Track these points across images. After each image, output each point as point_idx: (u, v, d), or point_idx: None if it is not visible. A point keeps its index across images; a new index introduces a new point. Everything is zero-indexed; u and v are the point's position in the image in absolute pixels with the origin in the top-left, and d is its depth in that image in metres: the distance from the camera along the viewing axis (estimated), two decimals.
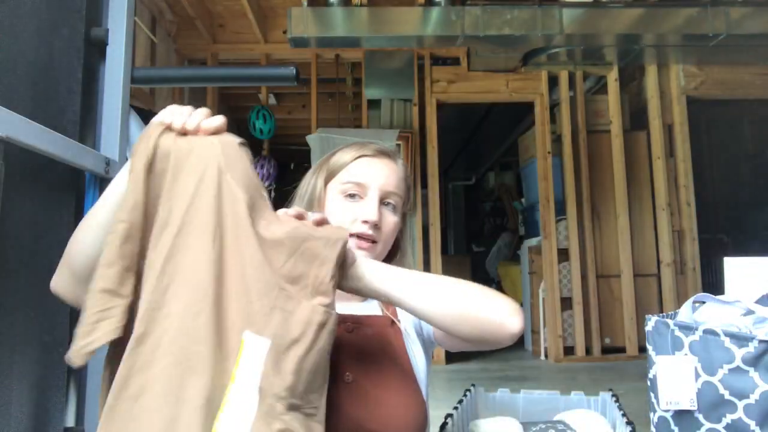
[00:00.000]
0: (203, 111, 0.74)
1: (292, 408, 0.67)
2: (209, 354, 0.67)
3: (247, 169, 0.74)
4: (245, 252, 0.71)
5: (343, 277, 0.76)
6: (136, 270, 0.70)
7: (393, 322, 0.94)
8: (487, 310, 0.77)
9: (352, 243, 0.89)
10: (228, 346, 0.68)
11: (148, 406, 0.65)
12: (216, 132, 0.74)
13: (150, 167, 0.71)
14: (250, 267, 0.70)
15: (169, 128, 0.73)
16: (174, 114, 0.73)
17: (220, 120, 0.74)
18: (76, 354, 0.66)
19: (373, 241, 0.93)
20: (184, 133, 0.73)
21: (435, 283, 0.78)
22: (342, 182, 0.94)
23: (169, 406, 0.65)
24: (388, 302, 0.80)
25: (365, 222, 0.91)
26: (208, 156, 0.73)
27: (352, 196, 0.94)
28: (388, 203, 0.95)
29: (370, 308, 0.96)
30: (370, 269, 0.78)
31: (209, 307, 0.68)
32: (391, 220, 0.95)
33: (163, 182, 0.72)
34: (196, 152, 0.73)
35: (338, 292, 0.82)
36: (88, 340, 0.66)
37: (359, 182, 0.94)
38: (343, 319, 0.90)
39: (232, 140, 0.75)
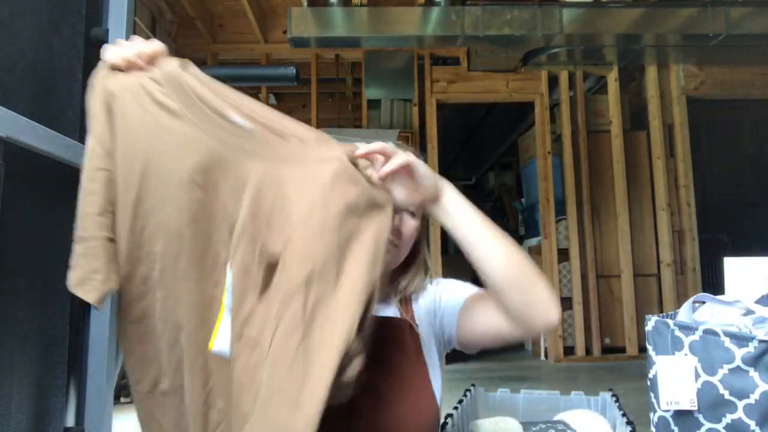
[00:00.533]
0: (138, 39, 0.76)
1: (241, 338, 0.71)
2: (194, 287, 0.73)
3: (201, 90, 0.74)
4: (228, 180, 0.73)
5: (433, 205, 0.81)
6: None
7: (411, 326, 0.94)
8: (541, 289, 0.79)
9: None
10: (214, 277, 0.74)
11: (152, 329, 0.74)
12: (155, 55, 0.75)
13: (109, 112, 0.74)
14: (232, 197, 0.73)
15: (113, 68, 0.75)
16: (113, 51, 0.75)
17: (157, 44, 0.75)
18: (100, 298, 0.72)
19: (393, 245, 0.91)
20: (128, 66, 0.74)
21: (506, 240, 0.81)
22: None
23: (168, 330, 0.75)
24: (462, 243, 0.81)
25: None
26: (156, 90, 0.73)
27: None
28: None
29: (389, 311, 0.96)
30: (458, 208, 0.81)
31: (187, 249, 0.73)
32: (410, 224, 0.93)
33: (116, 124, 0.74)
34: (142, 88, 0.74)
35: None
36: (109, 285, 0.73)
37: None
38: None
39: (174, 65, 0.74)
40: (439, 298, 0.97)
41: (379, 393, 0.86)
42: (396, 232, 0.90)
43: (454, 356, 4.35)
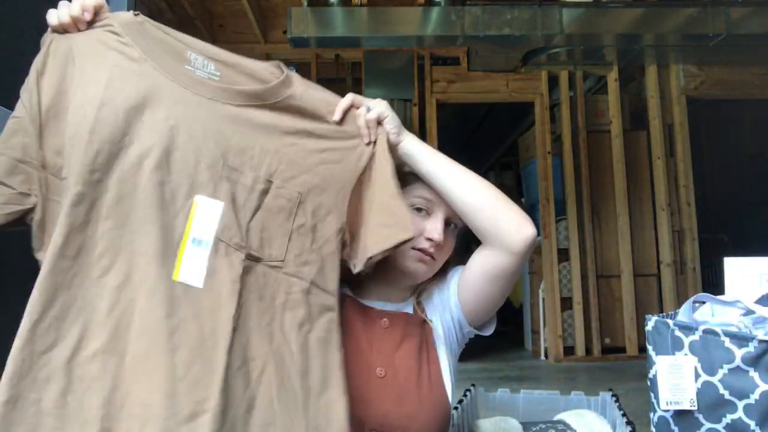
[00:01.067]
0: None
1: (249, 257, 0.78)
2: (156, 215, 0.73)
3: (162, 36, 0.79)
4: (195, 120, 0.77)
5: (397, 150, 0.91)
6: (41, 162, 0.75)
7: (424, 321, 0.97)
8: (508, 209, 0.87)
9: (414, 255, 0.94)
10: (174, 208, 0.75)
11: (86, 268, 0.70)
12: (99, 7, 0.78)
13: (42, 70, 0.76)
14: (196, 137, 0.77)
15: (59, 30, 0.77)
16: (56, 13, 0.77)
17: (95, 3, 0.77)
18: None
19: (432, 258, 0.96)
20: (76, 22, 0.77)
21: (468, 172, 0.90)
22: (414, 194, 0.96)
23: (122, 263, 0.71)
24: (430, 179, 0.91)
25: (429, 240, 0.94)
26: (115, 40, 0.77)
27: (419, 209, 0.96)
28: (450, 223, 0.98)
29: (406, 308, 0.99)
30: (417, 148, 0.91)
31: (146, 177, 0.74)
32: (451, 242, 0.99)
33: (69, 76, 0.76)
34: (98, 40, 0.77)
35: (378, 292, 0.88)
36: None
37: (430, 198, 0.96)
38: (379, 316, 0.95)
39: (129, 15, 0.79)
40: (447, 288, 1.01)
41: (393, 385, 0.88)
42: (438, 248, 0.95)
43: None
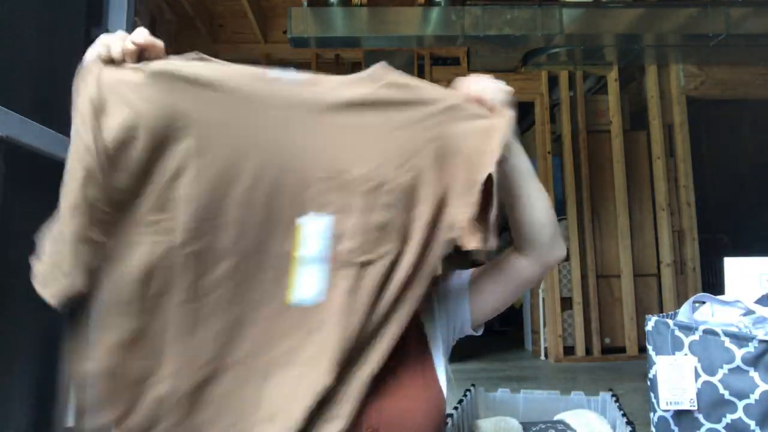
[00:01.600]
0: (141, 29, 0.73)
1: (361, 264, 0.76)
2: (267, 247, 0.75)
3: (225, 71, 0.76)
4: (290, 137, 0.76)
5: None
6: (109, 214, 0.70)
7: (419, 322, 0.97)
8: (558, 227, 0.94)
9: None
10: (280, 235, 0.76)
11: (213, 308, 0.74)
12: (159, 51, 0.73)
13: (97, 108, 0.70)
14: (296, 155, 0.76)
15: (108, 61, 0.71)
16: (108, 44, 0.71)
17: (158, 41, 0.73)
18: (58, 294, 0.67)
19: None
20: (124, 59, 0.71)
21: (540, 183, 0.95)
22: None
23: (239, 298, 0.75)
24: (509, 176, 0.94)
25: None
26: (182, 66, 0.73)
27: None
28: None
29: None
30: (515, 144, 0.97)
31: (257, 210, 0.74)
32: None
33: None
34: (163, 70, 0.72)
35: None
36: (69, 282, 0.68)
37: None
38: None
39: (185, 61, 0.75)
40: (449, 291, 1.01)
41: (389, 382, 0.87)
42: None
43: (454, 356, 4.33)
